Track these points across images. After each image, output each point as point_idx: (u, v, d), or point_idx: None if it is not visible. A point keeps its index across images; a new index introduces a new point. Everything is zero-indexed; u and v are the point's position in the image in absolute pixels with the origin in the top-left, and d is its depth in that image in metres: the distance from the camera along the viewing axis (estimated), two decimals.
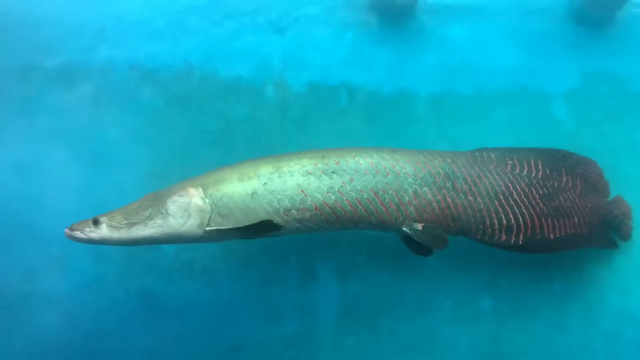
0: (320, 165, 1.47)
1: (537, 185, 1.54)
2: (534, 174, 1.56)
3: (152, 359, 1.75)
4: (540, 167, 1.58)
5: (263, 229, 1.45)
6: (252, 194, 1.44)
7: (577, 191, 1.59)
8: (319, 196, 1.44)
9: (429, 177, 1.48)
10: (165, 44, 1.85)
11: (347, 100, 1.82)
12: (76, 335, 1.74)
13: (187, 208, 1.45)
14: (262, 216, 1.44)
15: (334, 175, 1.46)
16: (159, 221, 1.44)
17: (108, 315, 1.75)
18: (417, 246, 1.49)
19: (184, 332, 1.74)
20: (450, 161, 1.53)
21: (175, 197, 1.46)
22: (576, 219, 1.56)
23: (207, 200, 1.45)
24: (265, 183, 1.45)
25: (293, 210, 1.44)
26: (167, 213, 1.45)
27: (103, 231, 1.43)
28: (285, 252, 1.76)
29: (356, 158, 1.49)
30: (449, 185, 1.48)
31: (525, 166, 1.57)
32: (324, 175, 1.46)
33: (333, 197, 1.44)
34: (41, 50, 1.84)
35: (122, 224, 1.44)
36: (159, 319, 1.75)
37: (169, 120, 1.82)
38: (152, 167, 1.79)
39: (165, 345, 1.74)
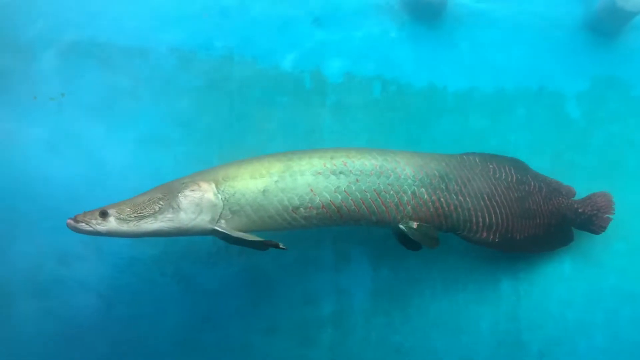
0: (328, 166, 1.42)
1: (512, 188, 1.58)
2: (509, 179, 1.59)
3: (189, 342, 1.63)
4: (512, 172, 1.61)
5: (267, 245, 1.38)
6: (264, 191, 1.37)
7: (543, 194, 1.62)
8: (327, 195, 1.39)
9: (426, 179, 1.47)
10: (206, 28, 1.70)
11: (380, 92, 1.75)
12: (111, 320, 1.61)
13: (199, 203, 1.35)
14: (271, 213, 1.38)
15: (341, 175, 1.41)
16: (169, 215, 1.34)
17: (144, 298, 1.62)
18: (409, 242, 1.49)
19: (221, 314, 1.64)
20: (444, 164, 1.52)
21: (187, 192, 1.36)
22: (538, 220, 1.60)
23: (220, 196, 1.36)
24: (276, 181, 1.38)
25: (301, 208, 1.38)
26: (179, 207, 1.34)
27: (111, 224, 1.31)
28: (321, 236, 1.68)
29: (362, 160, 1.44)
30: (443, 186, 1.48)
31: (503, 171, 1.59)
32: (332, 175, 1.41)
33: (339, 197, 1.40)
34: (83, 29, 1.63)
35: (131, 217, 1.32)
36: (196, 302, 1.64)
37: (207, 104, 1.68)
38: (189, 150, 1.66)
39: (201, 327, 1.64)
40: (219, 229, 1.35)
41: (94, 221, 1.30)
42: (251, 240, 1.36)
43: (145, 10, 1.69)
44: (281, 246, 1.36)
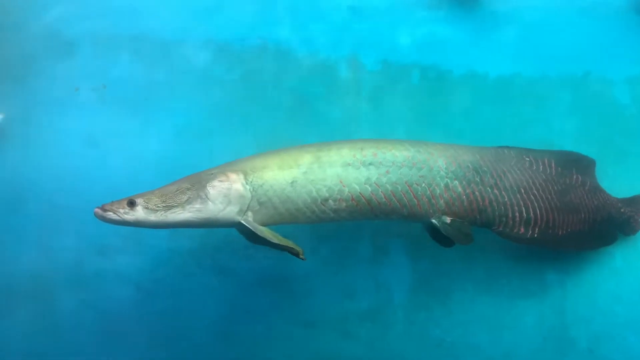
0: (358, 157, 1.37)
1: (552, 181, 1.51)
2: (548, 171, 1.52)
3: (227, 334, 1.61)
4: (553, 165, 1.54)
5: (291, 251, 1.35)
6: (292, 182, 1.34)
7: (586, 188, 1.55)
8: (357, 187, 1.35)
9: (459, 171, 1.41)
10: (240, 19, 1.67)
11: (419, 79, 1.69)
12: (150, 312, 1.60)
13: (227, 194, 1.32)
14: (299, 205, 1.34)
15: (371, 166, 1.37)
16: (197, 205, 1.31)
17: (182, 291, 1.60)
18: (442, 238, 1.43)
19: (259, 308, 1.61)
20: (478, 156, 1.46)
21: (216, 182, 1.33)
22: (582, 215, 1.52)
23: (248, 187, 1.33)
24: (305, 172, 1.35)
25: (330, 201, 1.34)
26: (207, 198, 1.31)
27: (138, 213, 1.29)
28: (359, 228, 1.64)
29: (393, 151, 1.40)
30: (477, 179, 1.42)
31: (541, 164, 1.53)
32: (361, 167, 1.37)
33: (369, 189, 1.35)
34: (119, 22, 1.63)
35: (159, 206, 1.29)
36: (234, 295, 1.62)
37: (242, 95, 1.66)
38: (225, 141, 1.63)
39: (240, 321, 1.61)
40: (246, 224, 1.33)
41: (121, 210, 1.29)
42: (274, 243, 1.33)
43: (181, 3, 1.67)
44: (301, 256, 1.34)
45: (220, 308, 1.61)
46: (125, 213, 1.29)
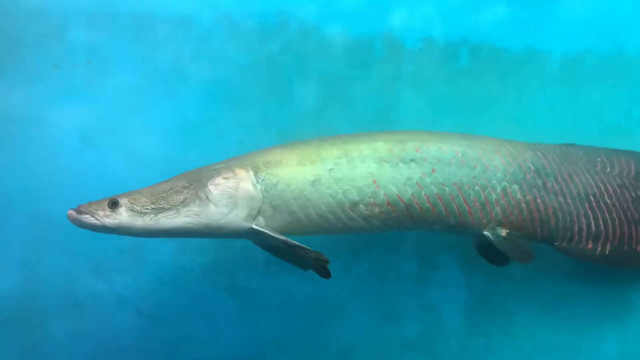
0: (396, 151, 1.17)
1: (629, 186, 1.29)
2: (625, 175, 1.30)
3: None
4: (632, 167, 1.31)
5: (315, 261, 1.15)
6: (314, 181, 1.14)
7: None
8: (394, 189, 1.15)
9: (519, 173, 1.22)
10: None
11: (468, 59, 1.46)
12: (155, 341, 1.41)
13: (233, 195, 1.12)
14: (322, 210, 1.14)
15: (412, 164, 1.17)
16: (195, 208, 1.11)
17: (193, 316, 1.41)
18: (494, 255, 1.25)
19: (285, 334, 1.41)
20: (540, 155, 1.27)
21: (219, 179, 1.13)
22: None
23: (259, 187, 1.13)
24: (330, 169, 1.15)
25: (361, 205, 1.14)
26: (208, 199, 1.12)
27: (122, 217, 1.10)
28: (401, 238, 1.42)
29: (439, 145, 1.20)
30: (539, 183, 1.23)
31: (616, 166, 1.30)
32: (400, 164, 1.17)
33: (410, 191, 1.16)
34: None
35: (147, 208, 1.10)
36: (255, 320, 1.42)
37: (261, 80, 1.44)
38: (243, 136, 1.42)
39: (263, 350, 1.41)
40: (258, 229, 1.12)
41: (101, 212, 1.10)
42: (299, 247, 1.12)
43: None
44: (324, 269, 1.15)
45: (236, 336, 1.42)
46: (105, 216, 1.09)
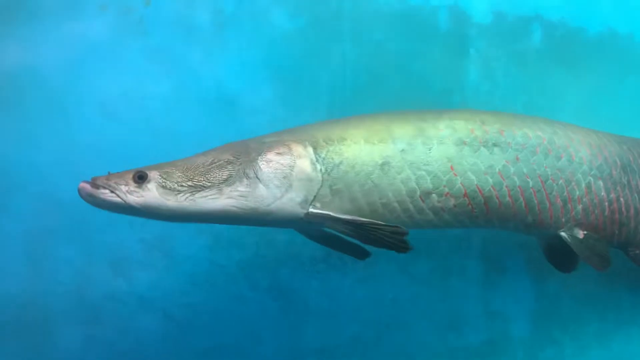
0: (478, 133, 1.04)
1: None
2: None
3: None
4: None
5: (391, 236, 0.98)
6: (383, 164, 0.99)
7: None
8: (473, 178, 1.02)
9: (605, 168, 1.12)
10: None
11: (540, 39, 1.34)
12: (185, 351, 1.27)
13: (288, 174, 0.96)
14: (389, 199, 1.00)
15: (496, 149, 1.04)
16: (241, 188, 0.94)
17: (230, 321, 1.27)
18: (564, 258, 1.15)
19: (334, 343, 1.29)
20: (626, 149, 1.18)
21: (271, 155, 0.97)
22: None
23: (318, 166, 0.98)
24: (403, 150, 1.00)
25: (434, 195, 1.00)
26: (257, 178, 0.95)
27: (150, 194, 0.92)
28: (465, 236, 1.30)
29: (524, 129, 1.07)
30: (624, 180, 1.14)
31: None
32: (482, 148, 1.03)
33: (490, 181, 1.02)
34: None
35: (182, 186, 0.93)
36: (300, 326, 1.29)
37: (311, 51, 1.29)
38: (285, 114, 1.27)
39: None
40: (319, 212, 0.97)
41: (123, 187, 0.92)
42: (371, 225, 0.95)
43: None
44: (405, 243, 0.98)
45: (280, 344, 1.29)
46: (129, 192, 0.92)
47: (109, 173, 0.92)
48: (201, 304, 1.25)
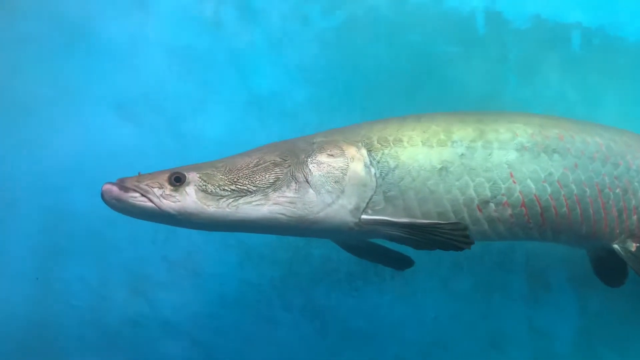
0: (539, 138, 0.98)
1: None
2: None
3: None
4: None
5: (452, 233, 0.92)
6: (442, 169, 0.93)
7: None
8: (532, 186, 0.96)
9: None
10: None
11: (580, 45, 1.29)
12: None
13: (340, 179, 0.89)
14: (445, 207, 0.93)
15: (555, 155, 0.98)
16: (289, 194, 0.87)
17: (262, 345, 1.18)
18: (613, 272, 1.10)
19: None
20: None
21: (323, 157, 0.91)
22: None
23: (373, 170, 0.91)
24: (462, 155, 0.94)
25: (491, 204, 0.94)
26: (307, 182, 0.88)
27: (189, 199, 0.84)
28: (509, 250, 1.23)
29: (582, 134, 1.02)
30: None
31: None
32: (542, 154, 0.98)
33: (549, 190, 0.96)
34: None
35: (225, 190, 0.86)
36: (339, 348, 1.21)
37: (347, 52, 1.23)
38: (319, 118, 1.21)
39: None
40: (376, 217, 0.89)
41: (157, 190, 0.83)
42: (430, 226, 0.89)
43: None
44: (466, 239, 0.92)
45: None
46: (164, 196, 0.83)
47: (139, 174, 0.82)
48: (230, 327, 1.17)
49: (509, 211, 0.95)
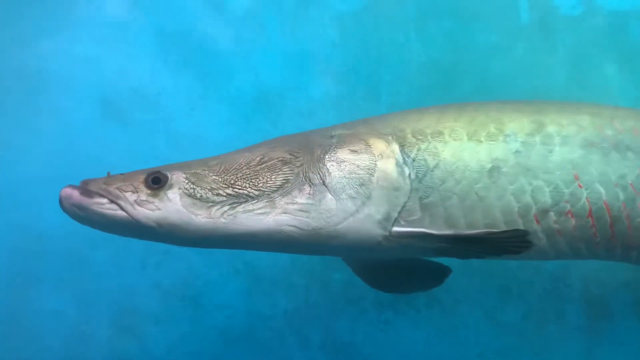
0: (609, 132, 0.83)
1: None
2: None
3: None
4: None
5: (511, 240, 0.76)
6: (493, 169, 0.78)
7: None
8: (601, 191, 0.81)
9: None
10: None
11: (638, 36, 1.16)
12: None
13: (366, 181, 0.74)
14: (494, 217, 0.77)
15: (629, 153, 0.83)
16: (302, 200, 0.72)
17: None
18: None
19: None
20: None
21: (343, 153, 0.76)
22: None
23: (407, 171, 0.76)
24: (517, 151, 0.79)
25: (552, 214, 0.79)
26: (324, 184, 0.73)
27: (171, 206, 0.69)
28: (562, 275, 1.10)
29: None
30: None
31: None
32: (613, 152, 0.83)
33: (621, 196, 0.81)
34: None
35: (219, 194, 0.71)
36: None
37: (369, 41, 1.13)
38: (339, 118, 1.06)
39: None
40: (400, 229, 0.74)
41: (130, 195, 0.68)
42: (480, 236, 0.74)
43: None
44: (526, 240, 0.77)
45: None
46: (138, 202, 0.68)
47: (108, 174, 0.68)
48: None
49: (573, 222, 0.80)
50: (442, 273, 0.86)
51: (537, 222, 0.79)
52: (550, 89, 1.18)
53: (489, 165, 0.78)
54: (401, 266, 0.86)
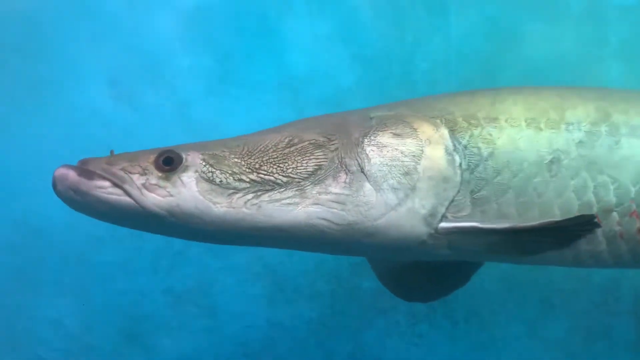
0: None
1: None
2: None
3: None
4: None
5: (578, 227, 0.70)
6: (553, 161, 0.71)
7: None
8: None
9: None
10: None
11: None
12: None
13: (411, 169, 0.67)
14: (556, 216, 0.70)
15: None
16: (336, 189, 0.64)
17: None
18: None
19: None
20: None
21: (385, 137, 0.68)
22: None
23: (457, 159, 0.68)
24: (580, 142, 0.73)
25: (615, 214, 0.72)
26: (362, 172, 0.66)
27: (186, 192, 0.61)
28: (611, 287, 1.04)
29: None
30: None
31: None
32: None
33: None
34: None
35: (241, 180, 0.63)
36: None
37: (404, 25, 1.05)
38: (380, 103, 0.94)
39: None
40: (448, 225, 0.67)
41: (138, 178, 0.60)
42: (543, 227, 0.67)
43: None
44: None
45: None
46: (147, 187, 0.60)
47: (111, 153, 0.59)
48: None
49: (638, 225, 0.73)
50: (468, 269, 0.79)
51: (599, 221, 0.72)
52: (601, 83, 1.08)
53: (549, 157, 0.71)
54: (429, 268, 0.78)
